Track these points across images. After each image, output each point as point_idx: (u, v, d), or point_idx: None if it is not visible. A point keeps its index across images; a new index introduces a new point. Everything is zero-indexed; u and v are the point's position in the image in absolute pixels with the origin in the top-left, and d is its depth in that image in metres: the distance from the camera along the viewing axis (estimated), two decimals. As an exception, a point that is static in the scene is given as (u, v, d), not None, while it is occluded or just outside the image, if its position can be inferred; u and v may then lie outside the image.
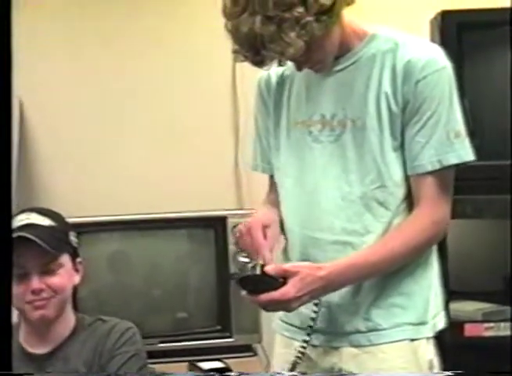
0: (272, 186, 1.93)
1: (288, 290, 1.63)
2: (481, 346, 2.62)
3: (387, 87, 1.69)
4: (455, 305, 2.56)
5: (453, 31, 2.55)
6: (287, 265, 1.68)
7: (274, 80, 1.84)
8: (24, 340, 1.94)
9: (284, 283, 1.63)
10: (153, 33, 3.17)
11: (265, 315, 2.31)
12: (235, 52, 1.63)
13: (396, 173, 1.72)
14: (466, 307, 2.72)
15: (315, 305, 1.72)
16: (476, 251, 3.00)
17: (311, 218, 1.77)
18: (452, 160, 1.69)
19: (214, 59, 3.11)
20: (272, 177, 1.93)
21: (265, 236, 1.76)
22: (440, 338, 1.80)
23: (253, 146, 1.94)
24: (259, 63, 1.63)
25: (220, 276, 2.79)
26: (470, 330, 2.66)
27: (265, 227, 1.77)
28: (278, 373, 1.84)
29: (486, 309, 2.73)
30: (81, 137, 3.17)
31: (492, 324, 2.66)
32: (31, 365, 1.91)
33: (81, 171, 3.17)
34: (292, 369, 1.78)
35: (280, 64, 1.66)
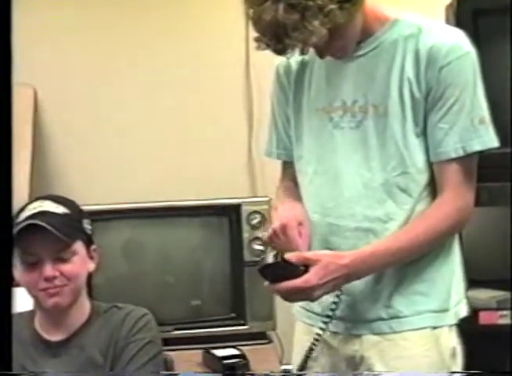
0: (286, 173, 1.92)
1: (310, 277, 1.62)
2: (496, 334, 2.61)
3: (410, 72, 1.68)
4: (469, 293, 2.55)
5: (469, 17, 2.53)
6: (309, 253, 1.68)
7: (294, 67, 1.82)
8: (40, 327, 1.95)
9: (306, 271, 1.62)
10: (165, 21, 3.17)
11: (279, 302, 2.31)
12: (256, 40, 1.61)
13: (419, 159, 1.71)
14: (480, 295, 2.71)
15: (337, 295, 1.71)
16: (490, 238, 2.99)
17: (332, 205, 1.76)
18: (477, 146, 1.68)
19: (226, 45, 3.10)
20: (285, 163, 1.92)
21: (299, 234, 1.74)
22: (458, 326, 1.79)
23: (268, 132, 1.93)
24: (281, 51, 1.61)
25: (234, 264, 2.80)
26: (484, 317, 2.65)
27: (299, 225, 1.75)
28: (286, 370, 1.84)
29: (500, 296, 2.72)
30: (95, 125, 3.17)
31: (506, 312, 2.66)
32: (47, 352, 1.92)
33: (95, 160, 3.17)
34: (307, 356, 1.78)
35: (302, 52, 1.65)
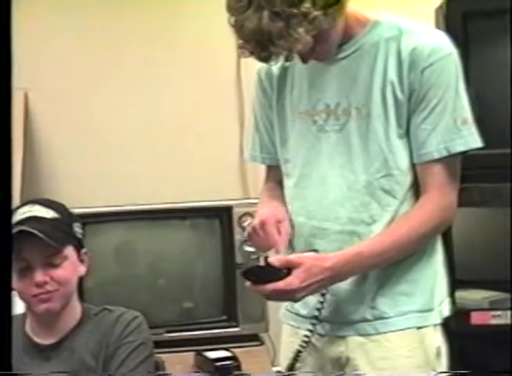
0: (270, 176, 1.92)
1: (292, 280, 1.62)
2: (488, 334, 2.62)
3: (392, 75, 1.68)
4: (461, 294, 2.56)
5: (458, 20, 2.54)
6: (291, 256, 1.68)
7: (275, 70, 1.81)
8: (31, 330, 1.94)
9: (288, 274, 1.63)
10: (158, 24, 3.17)
11: (271, 304, 2.31)
12: (240, 47, 1.60)
13: (402, 161, 1.71)
14: (472, 295, 2.72)
15: (322, 295, 1.72)
16: (483, 239, 3.00)
17: (317, 208, 1.76)
18: (460, 147, 1.68)
19: (218, 48, 3.11)
20: (269, 167, 1.92)
21: (279, 232, 1.74)
22: (447, 326, 1.80)
23: (251, 137, 1.93)
24: (266, 58, 1.60)
25: (226, 266, 2.80)
26: (476, 318, 2.66)
27: (278, 222, 1.76)
28: (278, 371, 1.84)
29: (493, 297, 2.73)
30: (86, 129, 3.17)
31: (498, 312, 2.66)
32: (39, 355, 1.91)
33: (86, 163, 3.17)
34: (295, 358, 1.78)
35: (287, 59, 1.64)
